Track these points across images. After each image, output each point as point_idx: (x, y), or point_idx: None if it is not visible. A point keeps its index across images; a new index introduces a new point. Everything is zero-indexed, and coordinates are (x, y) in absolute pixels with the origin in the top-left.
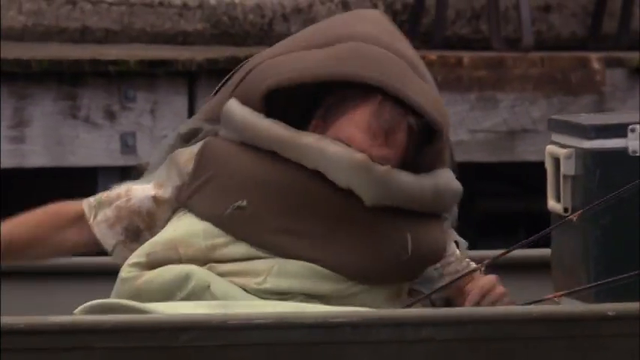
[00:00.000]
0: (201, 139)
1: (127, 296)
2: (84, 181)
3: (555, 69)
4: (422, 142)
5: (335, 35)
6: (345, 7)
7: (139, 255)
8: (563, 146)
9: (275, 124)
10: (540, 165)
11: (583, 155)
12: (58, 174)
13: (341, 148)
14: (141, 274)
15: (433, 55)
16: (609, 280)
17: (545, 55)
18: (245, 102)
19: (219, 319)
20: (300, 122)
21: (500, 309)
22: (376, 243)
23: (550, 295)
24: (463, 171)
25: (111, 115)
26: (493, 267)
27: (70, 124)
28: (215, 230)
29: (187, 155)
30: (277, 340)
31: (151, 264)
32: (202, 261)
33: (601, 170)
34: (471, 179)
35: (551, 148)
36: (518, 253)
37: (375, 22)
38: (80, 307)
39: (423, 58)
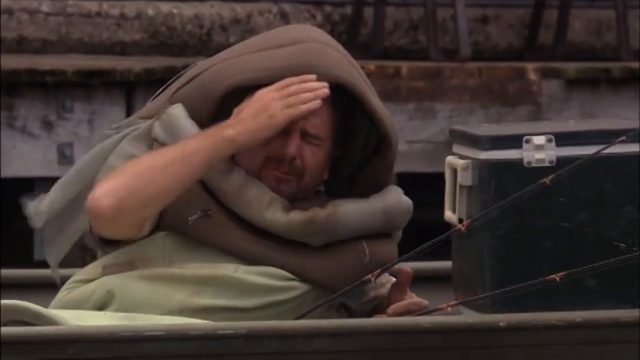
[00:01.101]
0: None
1: (56, 307)
2: (20, 191)
3: (492, 80)
4: (372, 155)
5: (291, 38)
6: (284, 17)
7: (86, 272)
8: (461, 157)
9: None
10: None
11: (479, 166)
12: None
13: (277, 214)
14: (78, 286)
15: (371, 65)
16: (501, 290)
17: (482, 65)
18: (194, 105)
19: (109, 330)
20: None
21: (391, 320)
22: (336, 252)
23: (443, 305)
24: (401, 181)
25: (48, 126)
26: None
27: (6, 135)
28: (175, 244)
29: None
30: (167, 352)
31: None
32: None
33: (496, 181)
34: (409, 190)
35: (450, 159)
36: (422, 265)
37: (322, 33)
38: None
39: (362, 68)
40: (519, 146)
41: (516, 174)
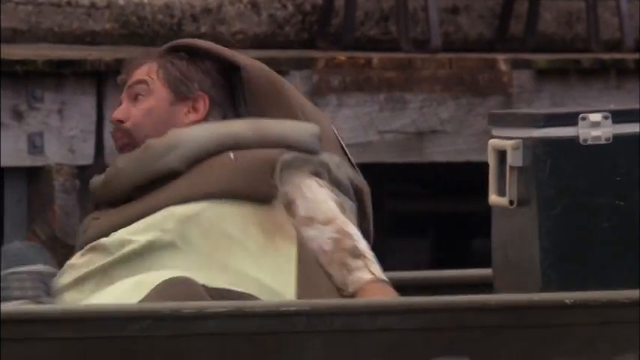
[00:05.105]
0: None
1: None
2: None
3: (463, 70)
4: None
5: None
6: (255, 7)
7: None
8: (508, 138)
9: None
10: (448, 166)
11: (532, 145)
12: None
13: None
14: None
15: (342, 56)
16: None
17: (453, 56)
18: None
19: (171, 308)
20: None
21: (455, 298)
22: (201, 167)
23: None
24: (372, 172)
25: (18, 115)
26: (434, 286)
27: None
28: None
29: None
30: (230, 330)
31: None
32: None
33: (552, 159)
34: (380, 180)
35: (494, 141)
36: (457, 273)
37: None
38: None
39: (333, 59)
40: (574, 124)
41: (572, 152)
